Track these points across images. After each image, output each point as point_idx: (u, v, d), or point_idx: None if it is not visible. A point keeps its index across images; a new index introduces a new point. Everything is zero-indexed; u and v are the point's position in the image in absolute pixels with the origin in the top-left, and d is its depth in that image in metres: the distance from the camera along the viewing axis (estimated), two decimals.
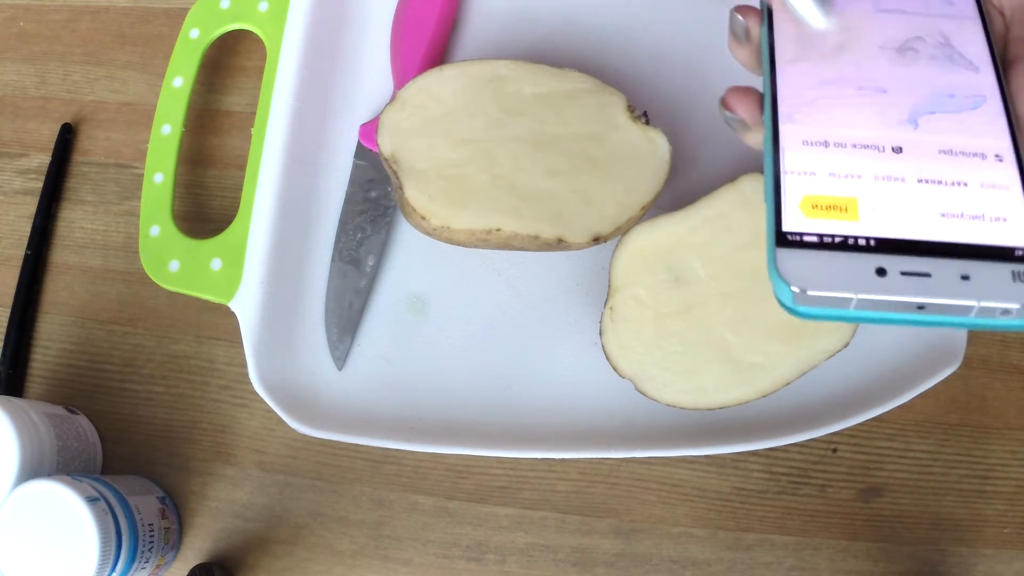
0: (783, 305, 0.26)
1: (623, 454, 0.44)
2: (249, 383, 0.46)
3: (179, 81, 0.50)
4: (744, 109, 0.32)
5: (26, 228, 0.53)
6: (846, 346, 0.42)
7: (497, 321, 0.48)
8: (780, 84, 0.31)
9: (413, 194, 0.44)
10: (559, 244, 0.44)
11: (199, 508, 0.48)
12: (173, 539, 0.46)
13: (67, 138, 0.54)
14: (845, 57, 0.31)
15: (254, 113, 0.50)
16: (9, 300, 0.51)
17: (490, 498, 0.47)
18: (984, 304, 0.25)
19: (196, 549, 0.47)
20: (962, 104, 0.30)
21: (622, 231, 0.44)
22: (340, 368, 0.48)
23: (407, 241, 0.49)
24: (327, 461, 0.48)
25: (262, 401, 0.46)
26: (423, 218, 0.44)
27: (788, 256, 0.26)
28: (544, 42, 0.51)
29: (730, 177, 0.45)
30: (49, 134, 0.54)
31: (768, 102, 0.30)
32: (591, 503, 0.46)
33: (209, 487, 0.48)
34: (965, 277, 0.26)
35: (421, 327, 0.48)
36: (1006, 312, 0.25)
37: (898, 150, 0.29)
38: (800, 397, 0.45)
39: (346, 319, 0.48)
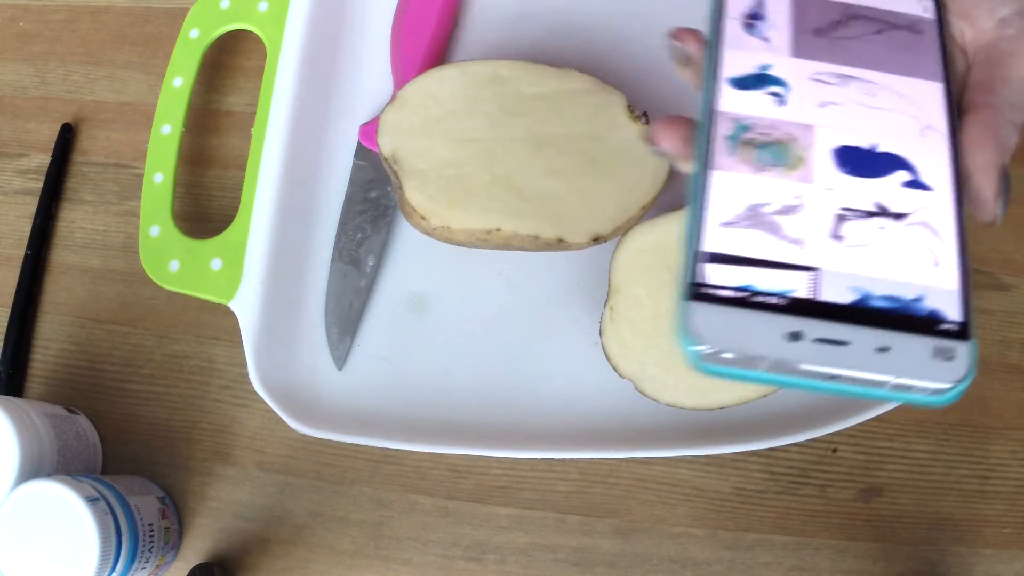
0: (685, 359, 0.24)
1: (623, 454, 0.44)
2: (249, 383, 0.46)
3: (179, 81, 0.50)
4: (671, 143, 0.29)
5: (26, 228, 0.53)
6: None
7: (497, 321, 0.48)
8: (718, 129, 0.28)
9: (413, 194, 0.44)
10: (559, 244, 0.44)
11: (199, 508, 0.48)
12: (173, 539, 0.46)
13: (67, 138, 0.54)
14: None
15: (254, 113, 0.50)
16: (9, 300, 0.51)
17: (490, 498, 0.47)
18: (900, 381, 0.24)
19: (196, 549, 0.47)
20: (901, 160, 0.28)
21: (622, 231, 0.44)
22: (340, 368, 0.48)
23: (407, 241, 0.49)
24: (327, 461, 0.48)
25: (262, 401, 0.46)
26: (423, 218, 0.44)
27: (698, 310, 0.24)
28: (544, 42, 0.51)
29: None
30: (49, 134, 0.54)
31: (702, 140, 0.28)
32: (591, 503, 0.46)
33: (209, 487, 0.48)
34: (883, 349, 0.24)
35: (421, 327, 0.48)
36: (922, 390, 0.24)
37: (828, 208, 0.27)
38: (800, 397, 0.45)
39: (346, 319, 0.48)
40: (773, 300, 0.25)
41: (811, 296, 0.25)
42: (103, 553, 0.40)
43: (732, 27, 0.30)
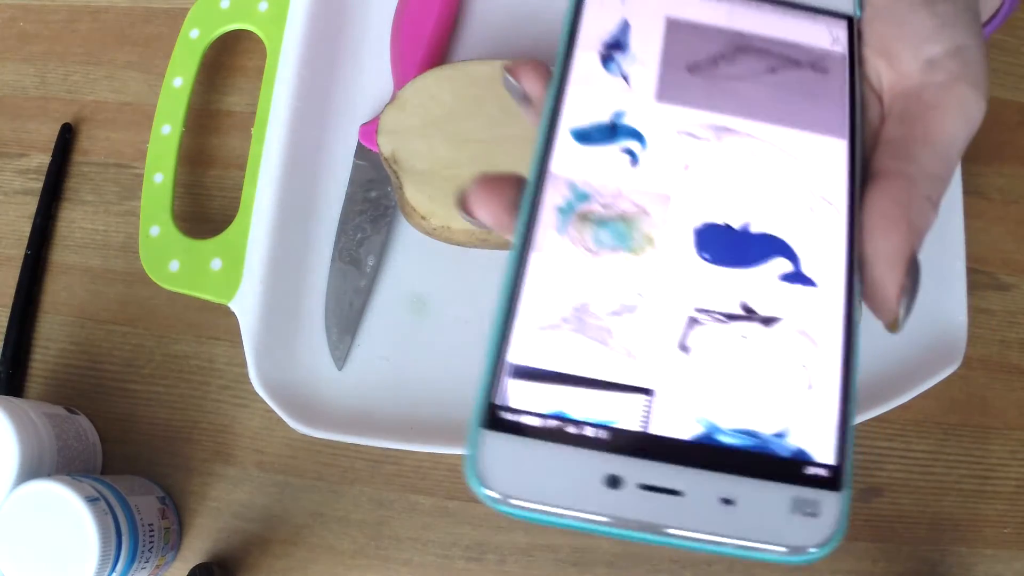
0: (479, 498, 0.20)
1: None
2: (249, 383, 0.46)
3: (179, 81, 0.50)
4: (490, 212, 0.23)
5: (26, 228, 0.52)
6: None
7: None
8: (546, 198, 0.22)
9: (413, 194, 0.44)
10: None
11: (199, 508, 0.48)
12: (173, 539, 0.46)
13: (67, 138, 0.54)
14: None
15: (254, 113, 0.50)
16: (9, 300, 0.51)
17: None
18: (742, 544, 0.19)
19: (196, 549, 0.47)
20: (780, 244, 0.22)
21: None
22: (340, 368, 0.48)
23: (407, 241, 0.49)
24: (327, 461, 0.48)
25: (262, 401, 0.46)
26: (423, 218, 0.44)
27: (494, 443, 0.20)
28: (544, 42, 0.51)
29: None
30: (49, 134, 0.54)
31: (526, 210, 0.22)
32: None
33: (209, 487, 0.48)
34: (728, 501, 0.19)
35: (421, 327, 0.48)
36: (774, 552, 0.19)
37: (678, 308, 0.21)
38: None
39: (346, 319, 0.48)
40: (589, 433, 0.20)
41: (639, 428, 0.20)
42: (103, 553, 0.40)
43: (584, 61, 0.24)
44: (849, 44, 0.25)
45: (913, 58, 0.24)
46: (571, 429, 0.20)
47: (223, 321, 0.50)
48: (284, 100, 0.49)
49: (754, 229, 0.22)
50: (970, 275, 0.45)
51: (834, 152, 0.23)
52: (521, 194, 0.23)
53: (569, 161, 0.23)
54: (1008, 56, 0.51)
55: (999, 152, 0.50)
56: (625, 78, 0.24)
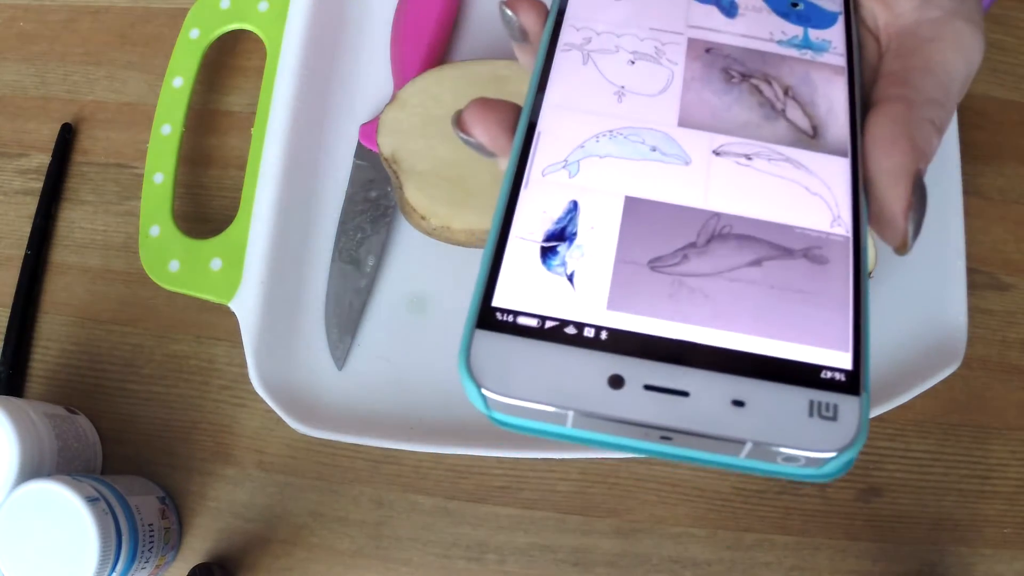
0: (473, 402, 0.19)
1: (623, 454, 0.44)
2: (249, 383, 0.46)
3: (179, 81, 0.50)
4: (484, 132, 0.23)
5: (26, 228, 0.52)
6: None
7: None
8: (545, 115, 0.23)
9: (413, 194, 0.44)
10: None
11: (199, 508, 0.48)
12: (173, 539, 0.46)
13: (67, 138, 0.54)
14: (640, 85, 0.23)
15: (254, 113, 0.50)
16: (9, 300, 0.51)
17: (490, 498, 0.47)
18: (761, 443, 0.18)
19: (196, 549, 0.47)
20: (787, 154, 0.22)
21: None
22: (340, 368, 0.48)
23: (407, 241, 0.49)
24: (327, 461, 0.48)
25: (262, 401, 0.46)
26: (423, 218, 0.44)
27: (489, 342, 0.19)
28: None
29: None
30: (49, 134, 0.54)
31: (523, 127, 0.22)
32: (591, 503, 0.46)
33: (209, 487, 0.48)
34: (738, 403, 0.18)
35: (421, 327, 0.48)
36: (791, 459, 0.18)
37: (679, 219, 0.21)
38: None
39: (346, 319, 0.48)
40: (590, 334, 0.19)
41: (643, 330, 0.19)
42: (103, 553, 0.40)
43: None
44: None
45: None
46: (571, 330, 0.19)
47: (223, 321, 0.50)
48: (284, 100, 0.49)
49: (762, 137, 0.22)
50: (970, 275, 0.45)
51: (836, 90, 0.23)
52: (517, 116, 0.23)
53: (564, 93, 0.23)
54: (1008, 56, 0.51)
55: (999, 152, 0.50)
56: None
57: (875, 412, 0.43)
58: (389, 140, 0.44)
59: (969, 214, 0.47)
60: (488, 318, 0.19)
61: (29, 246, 0.52)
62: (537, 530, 0.46)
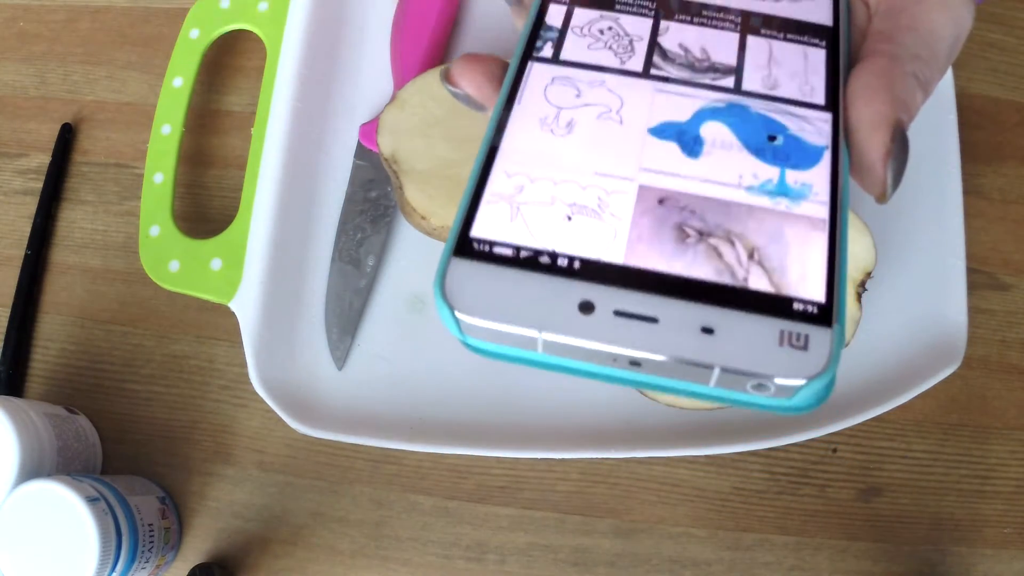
0: (448, 328, 0.20)
1: (623, 454, 0.44)
2: (249, 383, 0.46)
3: (179, 81, 0.50)
4: (471, 83, 0.25)
5: (26, 228, 0.53)
6: (846, 345, 0.42)
7: None
8: (533, 68, 0.24)
9: (413, 194, 0.44)
10: None
11: (199, 508, 0.48)
12: (173, 539, 0.46)
13: (67, 138, 0.54)
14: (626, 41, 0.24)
15: (254, 113, 0.50)
16: (9, 300, 0.51)
17: (490, 498, 0.47)
18: (729, 368, 0.18)
19: (196, 549, 0.47)
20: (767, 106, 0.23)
21: None
22: (340, 368, 0.48)
23: (407, 241, 0.49)
24: (327, 461, 0.48)
25: (262, 401, 0.46)
26: (423, 218, 0.44)
27: (465, 270, 0.20)
28: None
29: None
30: (49, 134, 0.54)
31: (509, 80, 0.24)
32: (591, 503, 0.46)
33: (209, 487, 0.48)
34: (708, 330, 0.18)
35: (421, 327, 0.48)
36: (760, 387, 0.18)
37: (651, 164, 0.22)
38: None
39: (346, 319, 0.48)
40: (563, 263, 0.20)
41: (614, 260, 0.20)
42: (103, 553, 0.40)
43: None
44: None
45: None
46: (544, 259, 0.20)
47: (223, 321, 0.50)
48: (284, 100, 0.49)
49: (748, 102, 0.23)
50: (970, 275, 0.45)
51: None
52: (504, 70, 0.24)
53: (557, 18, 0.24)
54: (1008, 56, 0.51)
55: (999, 152, 0.50)
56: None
57: (875, 412, 0.43)
58: (389, 140, 0.44)
59: (969, 214, 0.47)
60: (465, 246, 0.20)
61: (29, 246, 0.52)
62: (537, 530, 0.46)
